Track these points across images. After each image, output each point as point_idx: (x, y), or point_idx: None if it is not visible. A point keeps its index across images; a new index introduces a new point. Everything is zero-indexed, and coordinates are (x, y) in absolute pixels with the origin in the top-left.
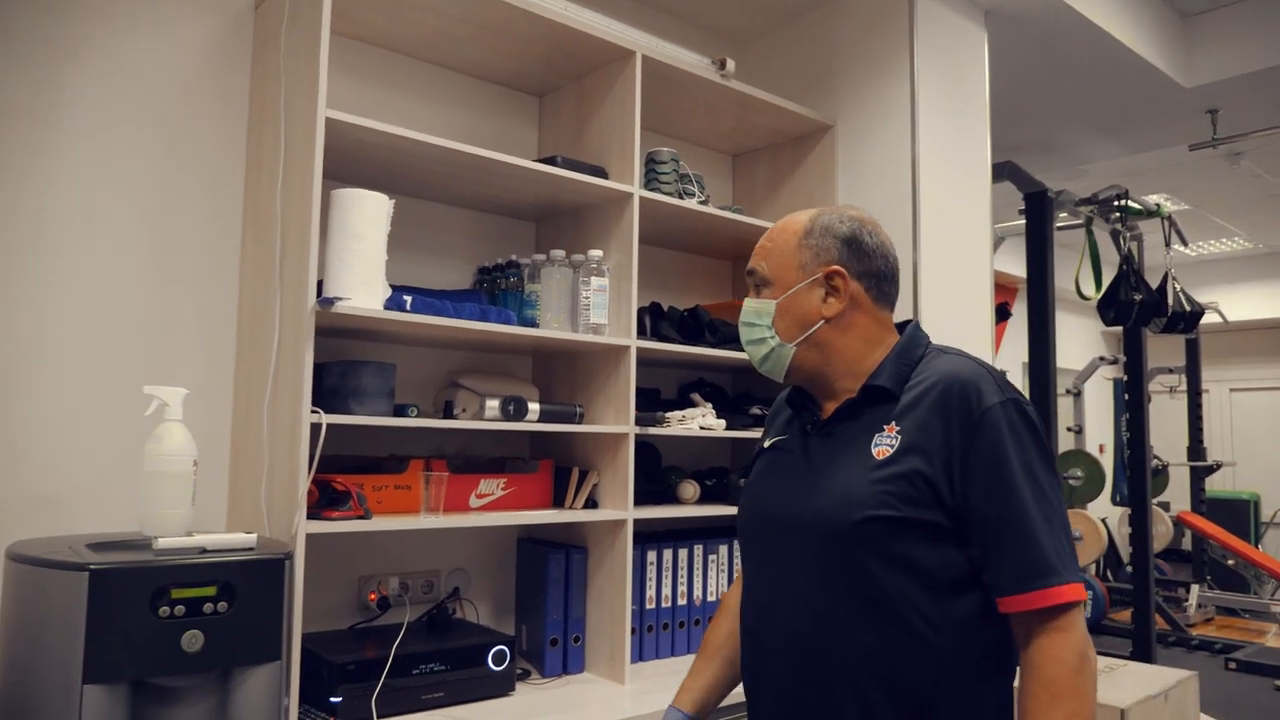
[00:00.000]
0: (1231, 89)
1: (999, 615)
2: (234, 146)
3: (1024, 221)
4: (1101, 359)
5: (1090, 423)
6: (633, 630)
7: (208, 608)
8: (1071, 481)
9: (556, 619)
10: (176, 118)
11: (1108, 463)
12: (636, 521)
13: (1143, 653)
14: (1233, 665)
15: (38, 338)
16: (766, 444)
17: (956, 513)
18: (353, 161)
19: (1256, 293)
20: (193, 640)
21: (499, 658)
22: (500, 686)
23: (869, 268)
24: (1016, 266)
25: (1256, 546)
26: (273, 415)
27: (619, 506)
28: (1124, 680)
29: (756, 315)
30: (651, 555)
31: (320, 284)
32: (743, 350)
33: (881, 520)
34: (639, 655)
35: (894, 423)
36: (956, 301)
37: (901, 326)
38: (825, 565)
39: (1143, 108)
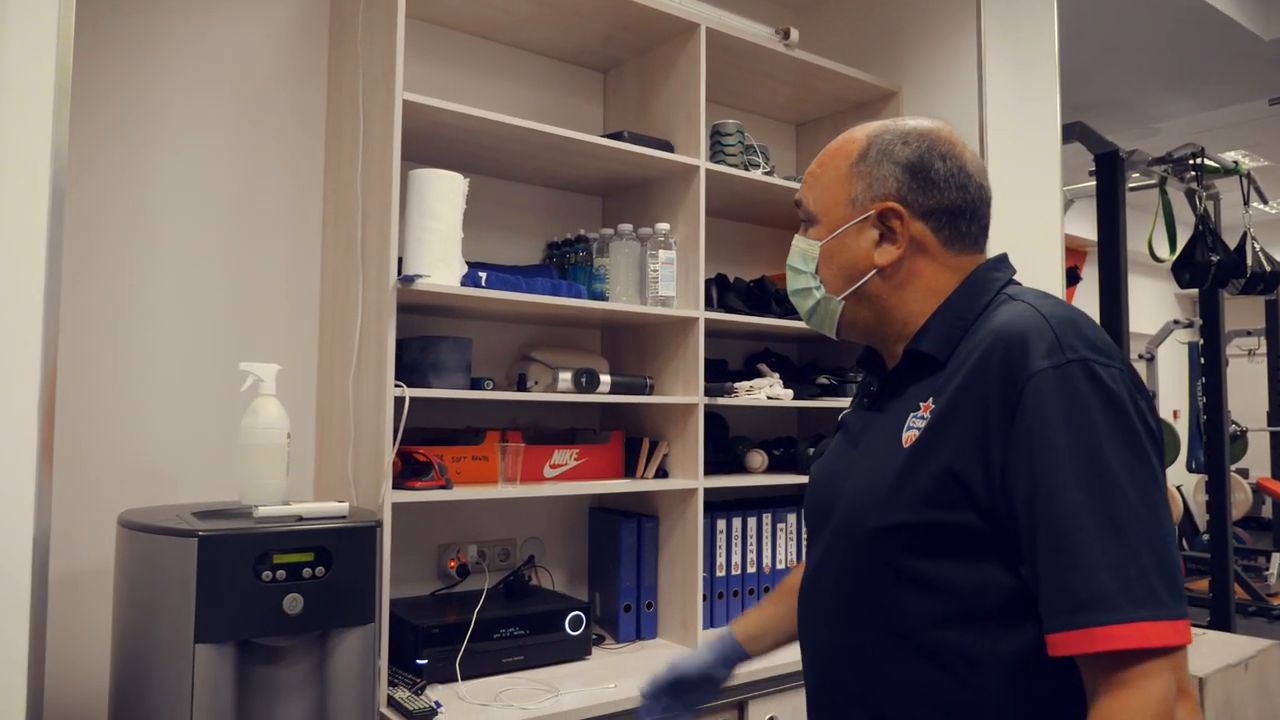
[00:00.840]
0: None
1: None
2: (314, 130)
3: (1094, 183)
4: (1176, 322)
5: (1163, 388)
6: (703, 597)
7: (306, 572)
8: None
9: (629, 586)
10: (260, 104)
11: (1182, 429)
12: (706, 491)
13: (1221, 622)
14: None
15: (143, 317)
16: (841, 416)
17: (999, 517)
18: (427, 142)
19: None
20: (293, 603)
21: (575, 623)
22: (577, 651)
23: (940, 202)
24: (1087, 229)
25: None
26: (358, 389)
27: (689, 476)
28: (1203, 649)
29: (801, 259)
30: (721, 524)
31: (400, 262)
32: None
33: (902, 529)
34: (710, 621)
35: (932, 399)
36: (1027, 270)
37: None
38: (844, 577)
39: (1219, 62)
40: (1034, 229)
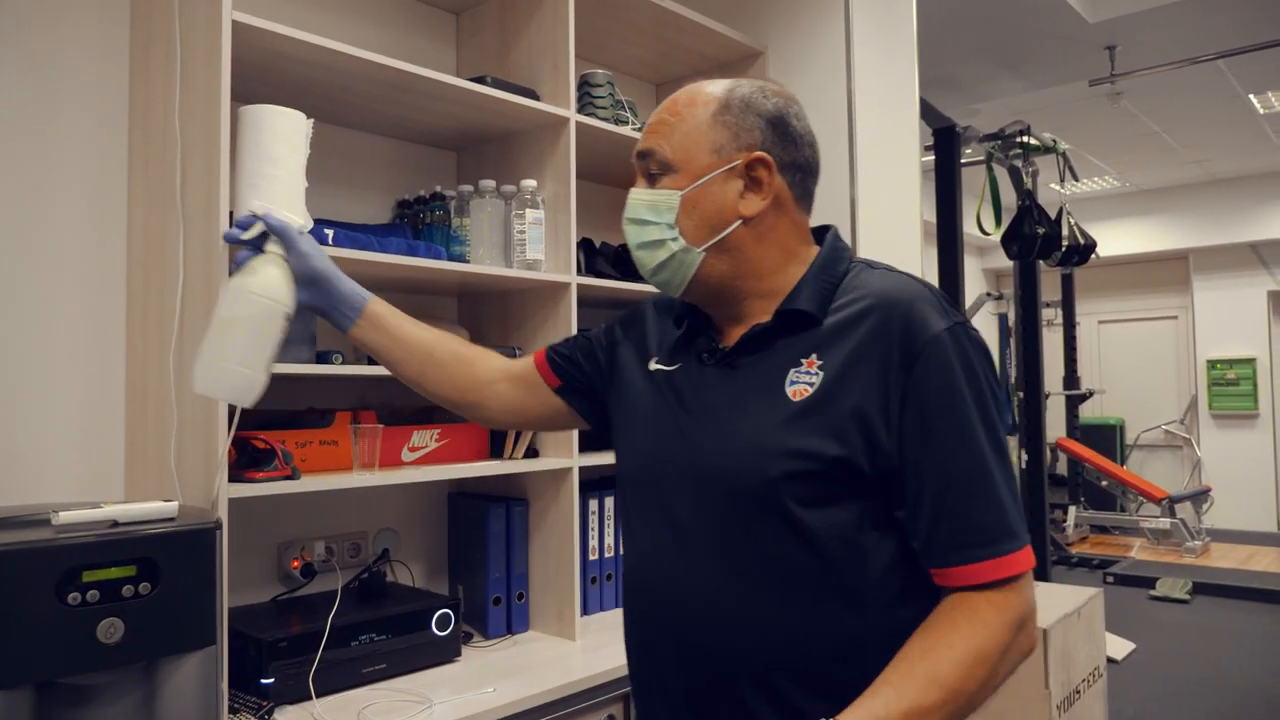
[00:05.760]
0: (1131, 25)
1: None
2: (113, 55)
3: (931, 158)
4: (988, 295)
5: None
6: (580, 583)
7: (127, 590)
8: None
9: (499, 576)
10: (41, 22)
11: None
12: (581, 469)
13: (1039, 572)
14: (1110, 579)
15: None
16: (652, 367)
17: (888, 466)
18: (256, 78)
19: (1122, 229)
20: (110, 629)
21: (443, 622)
22: (445, 652)
23: (795, 158)
24: None
25: (1123, 467)
26: (180, 365)
27: (563, 454)
28: (1040, 600)
29: (652, 210)
30: (593, 504)
31: (230, 215)
32: None
33: (802, 476)
34: (586, 609)
35: (814, 355)
36: (888, 233)
37: (818, 234)
38: (731, 532)
39: (1047, 42)
40: (895, 193)
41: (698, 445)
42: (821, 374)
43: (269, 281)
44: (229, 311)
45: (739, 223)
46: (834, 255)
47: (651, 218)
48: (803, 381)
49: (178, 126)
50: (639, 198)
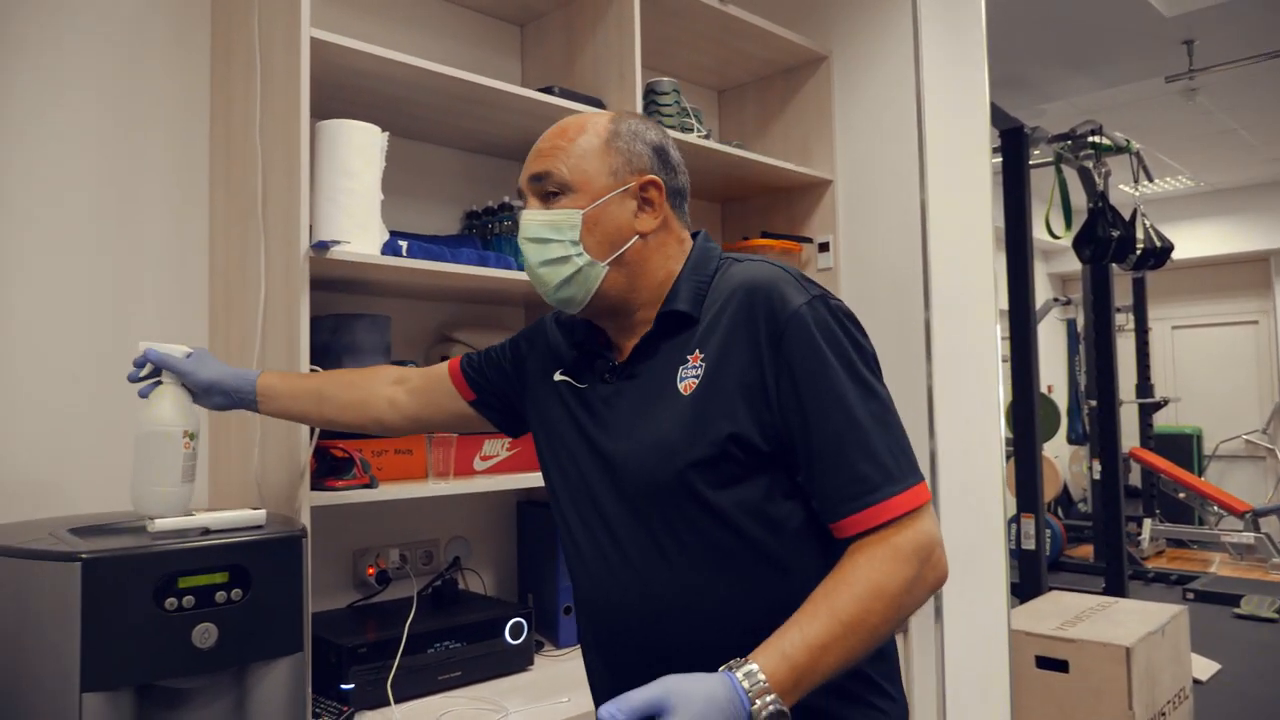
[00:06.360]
0: (1209, 19)
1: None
2: (196, 74)
3: (998, 160)
4: (1055, 300)
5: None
6: None
7: (220, 596)
8: None
9: (569, 585)
10: (127, 47)
11: (1060, 402)
12: None
13: (1115, 588)
14: (1191, 595)
15: None
16: (557, 378)
17: (778, 438)
18: (331, 92)
19: (1198, 231)
20: (205, 635)
21: (516, 630)
22: (519, 661)
23: (675, 183)
24: None
25: (1200, 478)
26: None
27: None
28: (1120, 618)
29: (553, 229)
30: None
31: (310, 230)
32: None
33: (704, 464)
34: None
35: (697, 350)
36: (961, 242)
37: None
38: (656, 527)
39: (1120, 38)
40: (966, 198)
41: (613, 454)
42: (705, 364)
43: (160, 411)
44: (137, 442)
45: (635, 238)
46: (703, 256)
47: (553, 235)
48: (690, 375)
49: (258, 143)
50: (537, 218)
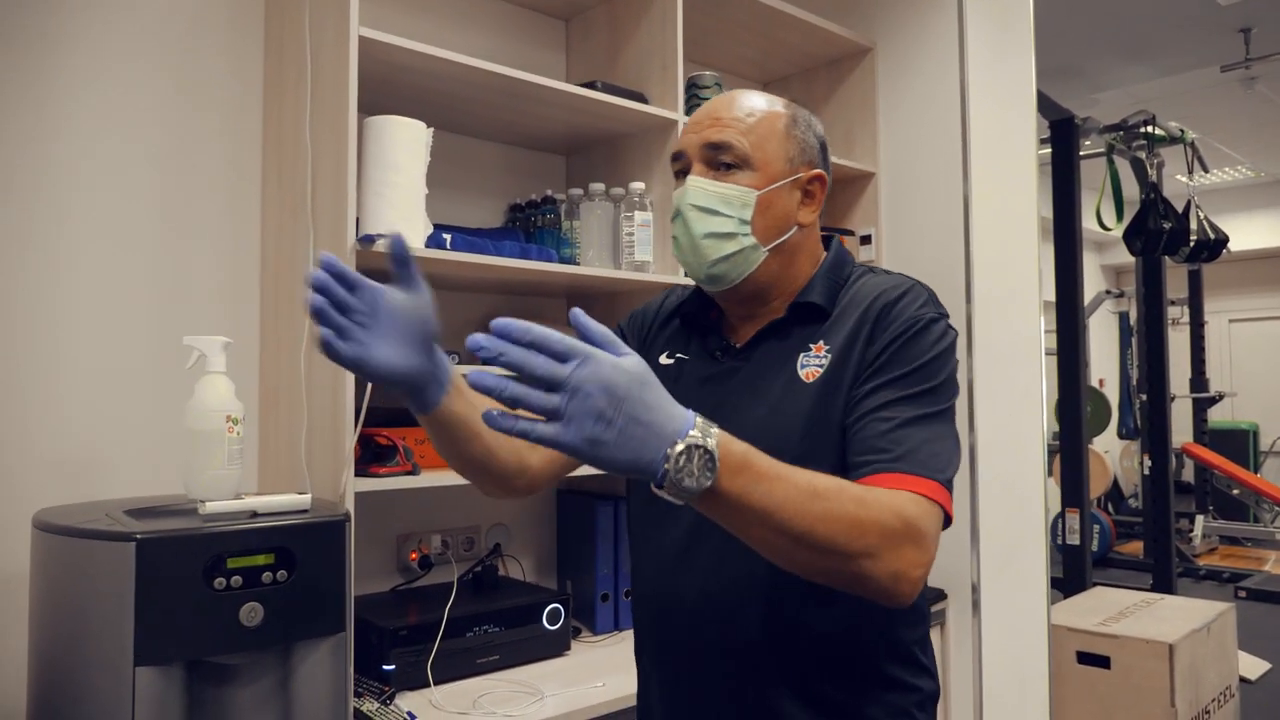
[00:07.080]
0: (1266, 5)
1: None
2: (249, 74)
3: (1047, 151)
4: (1108, 292)
5: (1091, 357)
6: None
7: (266, 577)
8: None
9: (607, 573)
10: (185, 42)
11: (1111, 396)
12: None
13: (1163, 585)
14: (1243, 594)
15: (53, 299)
16: (663, 361)
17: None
18: (378, 88)
19: (1255, 222)
20: (252, 613)
21: (554, 616)
22: (556, 646)
23: (828, 180)
24: None
25: (1256, 475)
26: (311, 366)
27: None
28: (1164, 614)
29: (725, 203)
30: None
31: (357, 222)
32: None
33: (816, 454)
34: None
35: (822, 341)
36: (1006, 235)
37: (825, 244)
38: None
39: (1175, 27)
40: (1011, 191)
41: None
42: (829, 355)
43: (207, 398)
44: (187, 429)
45: (795, 229)
46: (840, 259)
47: (723, 209)
48: (813, 364)
49: (308, 138)
50: (709, 187)
